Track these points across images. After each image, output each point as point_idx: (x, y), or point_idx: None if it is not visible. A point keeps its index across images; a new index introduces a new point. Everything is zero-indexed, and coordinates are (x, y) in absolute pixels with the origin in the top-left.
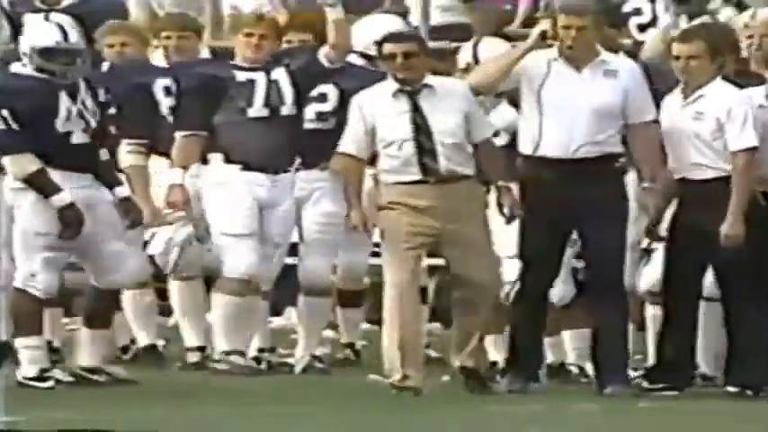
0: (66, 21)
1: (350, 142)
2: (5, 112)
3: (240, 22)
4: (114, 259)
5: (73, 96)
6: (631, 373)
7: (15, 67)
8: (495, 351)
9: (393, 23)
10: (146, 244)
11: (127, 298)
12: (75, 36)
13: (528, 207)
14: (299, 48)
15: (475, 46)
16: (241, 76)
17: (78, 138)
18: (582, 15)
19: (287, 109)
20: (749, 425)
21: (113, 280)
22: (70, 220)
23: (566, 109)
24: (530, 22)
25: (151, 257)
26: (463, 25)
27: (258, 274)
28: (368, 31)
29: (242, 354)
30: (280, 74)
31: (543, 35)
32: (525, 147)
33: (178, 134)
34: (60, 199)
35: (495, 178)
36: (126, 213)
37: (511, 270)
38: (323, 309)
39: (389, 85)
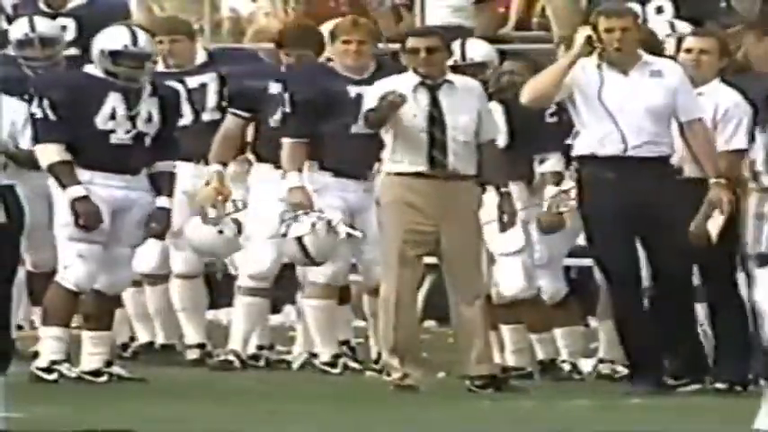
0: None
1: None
2: (45, 101)
3: (336, 28)
4: (113, 263)
5: (128, 98)
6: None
7: (88, 68)
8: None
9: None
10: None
11: (127, 295)
12: (144, 40)
13: (591, 208)
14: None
15: (462, 45)
16: (352, 91)
17: (118, 138)
18: (623, 17)
19: None
20: (739, 421)
21: (104, 282)
22: (82, 212)
23: (622, 112)
24: (522, 25)
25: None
26: (462, 28)
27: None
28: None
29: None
30: None
31: (589, 40)
32: (585, 150)
33: (287, 140)
34: (75, 191)
35: (496, 180)
36: (155, 221)
37: (503, 268)
38: None
39: (411, 77)
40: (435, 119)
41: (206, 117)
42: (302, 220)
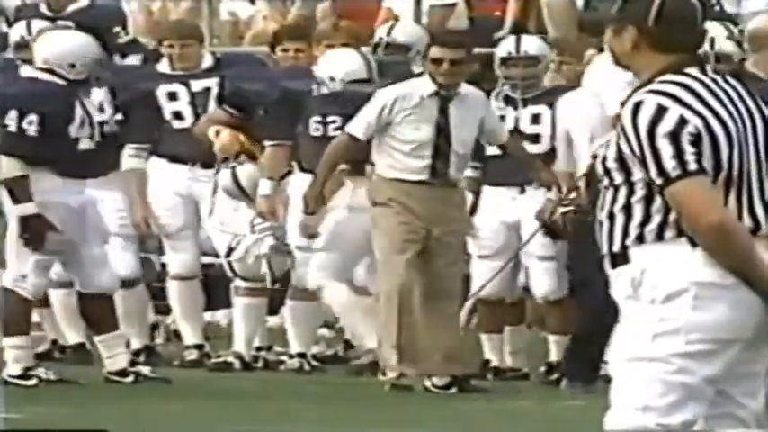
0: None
1: (364, 128)
2: (33, 117)
3: (318, 33)
4: (95, 264)
5: (82, 103)
6: None
7: (27, 71)
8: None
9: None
10: (230, 251)
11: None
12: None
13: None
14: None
15: (518, 38)
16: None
17: (85, 144)
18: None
19: None
20: None
21: (99, 285)
22: (31, 230)
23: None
24: (519, 28)
25: (229, 263)
26: (460, 31)
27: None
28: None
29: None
30: None
31: None
32: None
33: (266, 144)
34: (25, 208)
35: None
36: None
37: (537, 270)
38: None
39: (426, 85)
40: (442, 130)
41: None
42: (265, 240)
